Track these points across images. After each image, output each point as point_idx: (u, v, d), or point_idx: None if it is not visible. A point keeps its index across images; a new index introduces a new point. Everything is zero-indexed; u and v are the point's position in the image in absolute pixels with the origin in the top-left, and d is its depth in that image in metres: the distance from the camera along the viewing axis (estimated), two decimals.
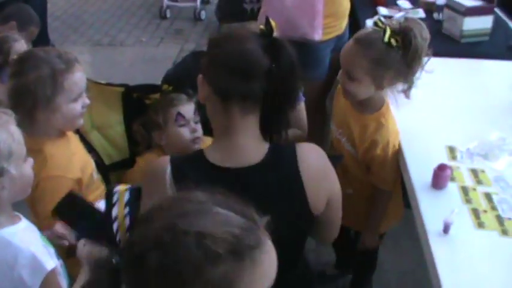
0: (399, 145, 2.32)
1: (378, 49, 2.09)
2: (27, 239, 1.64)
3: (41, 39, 5.64)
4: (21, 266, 1.59)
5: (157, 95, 2.39)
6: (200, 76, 1.56)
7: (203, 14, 6.80)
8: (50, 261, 1.66)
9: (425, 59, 2.12)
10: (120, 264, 1.01)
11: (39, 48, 2.01)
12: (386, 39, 2.07)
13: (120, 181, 2.47)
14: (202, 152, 1.56)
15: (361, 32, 2.24)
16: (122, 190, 1.72)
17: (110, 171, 2.42)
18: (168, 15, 6.85)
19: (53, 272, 1.65)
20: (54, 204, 1.79)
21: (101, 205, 2.09)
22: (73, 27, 6.67)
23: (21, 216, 1.72)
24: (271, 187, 1.50)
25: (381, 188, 2.39)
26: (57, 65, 1.89)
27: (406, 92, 2.22)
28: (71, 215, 1.82)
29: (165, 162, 1.52)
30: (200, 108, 2.34)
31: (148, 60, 5.78)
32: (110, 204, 1.71)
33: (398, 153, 2.31)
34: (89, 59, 5.73)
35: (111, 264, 1.02)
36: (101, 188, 2.18)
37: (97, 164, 2.37)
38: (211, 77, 1.53)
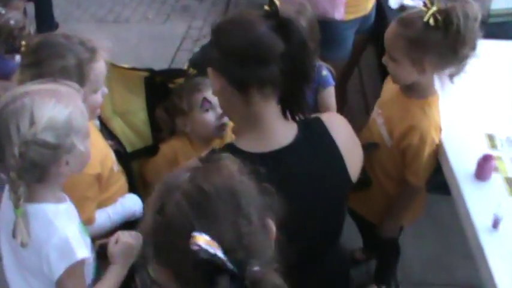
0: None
1: (416, 29, 1.99)
2: (65, 221, 1.57)
3: (45, 17, 5.51)
4: (52, 246, 1.52)
5: (181, 80, 2.27)
6: (210, 69, 1.50)
7: None
8: (83, 250, 1.58)
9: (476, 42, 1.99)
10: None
11: (57, 35, 1.85)
12: (426, 18, 1.96)
13: (142, 169, 2.38)
14: (231, 144, 1.53)
15: (406, 12, 2.16)
16: None
17: (132, 159, 2.32)
18: None
19: (81, 262, 1.58)
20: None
21: (123, 202, 2.01)
22: (75, 2, 6.48)
23: (67, 198, 1.65)
24: (311, 162, 1.50)
25: (410, 181, 2.27)
26: (82, 54, 1.75)
27: (451, 76, 2.10)
28: None
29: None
30: None
31: (156, 38, 5.62)
32: None
33: (436, 150, 2.21)
34: (94, 36, 5.56)
35: None
36: (122, 180, 2.08)
37: (118, 152, 2.27)
38: (224, 68, 1.47)
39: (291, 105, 1.54)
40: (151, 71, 2.25)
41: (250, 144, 1.49)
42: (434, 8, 1.96)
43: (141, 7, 6.38)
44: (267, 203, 1.09)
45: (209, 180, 1.03)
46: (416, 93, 2.17)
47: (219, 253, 0.90)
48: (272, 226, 1.08)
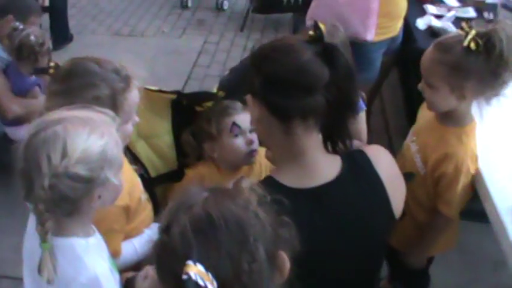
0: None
1: (456, 53, 1.90)
2: (95, 257, 1.47)
3: (60, 29, 5.46)
4: (80, 284, 1.42)
5: (209, 102, 2.17)
6: (249, 96, 1.42)
7: (226, 4, 6.57)
8: None
9: None
10: None
11: (89, 60, 1.70)
12: (466, 42, 1.87)
13: (166, 195, 2.29)
14: (271, 177, 1.45)
15: (442, 36, 2.06)
16: None
17: (156, 184, 2.22)
18: (189, 4, 6.61)
19: None
20: None
21: (150, 233, 1.91)
22: (91, 14, 6.45)
23: (95, 229, 1.55)
24: (356, 199, 1.44)
25: (442, 211, 2.18)
26: (116, 83, 1.64)
27: (488, 99, 1.99)
28: None
29: None
30: None
31: (172, 52, 5.56)
32: None
33: (471, 181, 2.11)
34: (109, 49, 5.51)
35: None
36: (148, 209, 1.98)
37: (142, 176, 2.18)
38: (266, 96, 1.39)
39: (332, 136, 1.47)
40: (179, 93, 2.15)
41: (292, 178, 1.42)
42: (473, 32, 1.87)
43: (157, 20, 6.33)
44: (284, 237, 1.06)
45: (221, 207, 1.01)
46: (453, 121, 2.08)
47: (211, 287, 0.89)
48: (285, 261, 1.05)
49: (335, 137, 1.47)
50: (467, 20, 3.41)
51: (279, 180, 1.41)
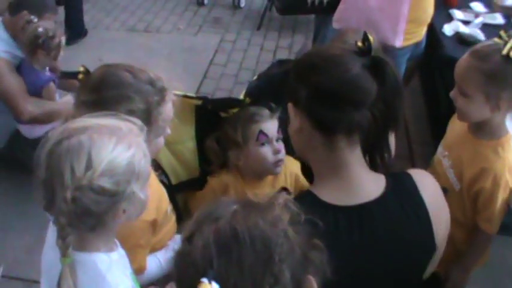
0: None
1: (494, 62, 1.84)
2: (118, 274, 1.39)
3: (75, 23, 5.40)
4: None
5: (235, 109, 2.09)
6: (290, 105, 1.35)
7: (242, 2, 6.50)
8: None
9: None
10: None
11: (123, 68, 1.59)
12: (505, 51, 1.81)
13: (187, 203, 2.21)
14: (310, 192, 1.36)
15: (479, 44, 1.99)
16: None
17: (177, 192, 2.14)
18: (205, 1, 6.54)
19: None
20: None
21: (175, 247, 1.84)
22: (105, 10, 6.38)
23: (118, 244, 1.47)
24: (399, 221, 1.34)
25: (483, 228, 2.11)
26: (152, 96, 1.55)
27: None
28: None
29: None
30: (282, 125, 2.07)
31: (188, 50, 5.48)
32: None
33: (510, 193, 2.03)
34: (124, 45, 5.45)
35: None
36: (172, 220, 1.91)
37: (163, 183, 2.10)
38: (311, 109, 1.31)
39: (373, 151, 1.38)
40: (205, 99, 2.07)
41: (333, 195, 1.33)
42: None
43: (173, 17, 6.26)
44: (314, 261, 1.00)
45: (248, 222, 0.96)
46: (487, 133, 2.01)
47: None
48: (313, 285, 0.99)
49: (375, 152, 1.39)
50: (496, 26, 3.38)
51: (319, 196, 1.34)
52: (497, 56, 1.83)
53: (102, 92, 1.53)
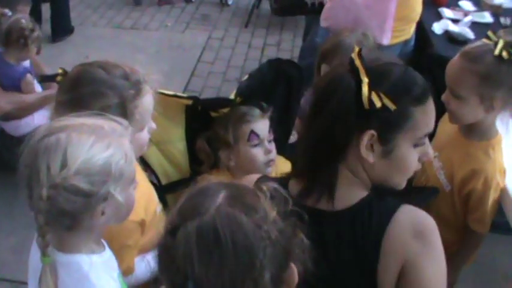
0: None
1: (487, 63, 1.82)
2: (104, 276, 1.36)
3: (61, 20, 5.34)
4: None
5: (226, 109, 2.07)
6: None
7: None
8: None
9: None
10: None
11: (97, 65, 1.58)
12: (497, 51, 1.80)
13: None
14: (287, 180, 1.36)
15: (469, 45, 1.96)
16: None
17: (167, 192, 2.12)
18: None
19: None
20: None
21: None
22: (92, 6, 6.32)
23: (106, 245, 1.44)
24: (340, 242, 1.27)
25: (474, 229, 2.11)
26: (126, 91, 1.52)
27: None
28: None
29: (251, 181, 1.35)
30: (273, 125, 2.06)
31: (175, 47, 5.45)
32: None
33: (500, 194, 2.04)
34: (111, 42, 5.40)
35: None
36: (162, 220, 1.87)
37: (152, 183, 2.08)
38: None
39: None
40: (195, 99, 2.04)
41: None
42: (502, 41, 1.81)
43: (160, 14, 6.21)
44: (296, 251, 1.02)
45: (232, 224, 0.95)
46: (478, 134, 2.00)
47: None
48: (294, 275, 1.01)
49: None
50: (485, 25, 3.39)
51: (289, 187, 1.34)
52: (489, 57, 1.82)
53: (77, 91, 1.52)
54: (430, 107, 1.28)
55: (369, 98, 1.18)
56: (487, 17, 3.56)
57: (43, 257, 1.25)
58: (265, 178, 1.40)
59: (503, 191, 2.04)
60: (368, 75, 1.20)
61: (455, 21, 3.49)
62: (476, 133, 1.99)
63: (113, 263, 1.45)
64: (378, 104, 1.18)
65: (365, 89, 1.18)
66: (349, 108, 1.20)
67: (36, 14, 4.26)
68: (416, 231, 1.24)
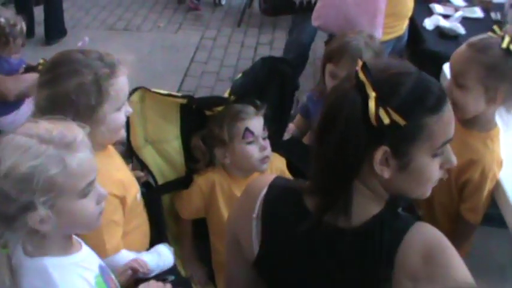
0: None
1: (494, 55, 1.86)
2: (71, 277, 1.33)
3: (55, 22, 5.33)
4: None
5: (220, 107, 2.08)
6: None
7: None
8: None
9: None
10: None
11: (75, 51, 1.69)
12: (505, 44, 1.84)
13: (174, 202, 2.20)
14: (301, 195, 1.28)
15: (476, 37, 1.98)
16: None
17: (163, 192, 2.14)
18: None
19: None
20: None
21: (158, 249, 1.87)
22: (85, 8, 6.32)
23: (83, 246, 1.43)
24: (351, 259, 1.21)
25: (466, 218, 2.12)
26: (101, 70, 1.61)
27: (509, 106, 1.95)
28: None
29: (264, 183, 1.34)
30: (267, 122, 2.08)
31: (168, 48, 5.45)
32: None
33: (495, 186, 2.05)
34: (104, 44, 5.39)
35: None
36: (143, 217, 1.94)
37: (148, 184, 2.10)
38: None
39: None
40: (189, 98, 2.06)
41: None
42: (509, 36, 1.85)
43: (152, 15, 6.22)
44: None
45: None
46: (478, 125, 2.02)
47: None
48: None
49: None
50: (475, 20, 3.42)
51: (305, 201, 1.28)
52: (496, 49, 1.85)
53: (55, 71, 1.62)
54: (447, 114, 1.19)
55: (377, 114, 1.09)
56: (477, 12, 3.59)
57: (1, 248, 1.26)
58: (280, 179, 1.37)
59: (497, 183, 2.06)
60: (376, 89, 1.11)
61: (446, 16, 3.51)
62: (476, 124, 2.01)
63: (89, 264, 1.41)
64: (386, 121, 1.09)
65: (371, 105, 1.10)
66: (357, 126, 1.11)
67: (29, 17, 4.25)
68: (426, 252, 1.18)
